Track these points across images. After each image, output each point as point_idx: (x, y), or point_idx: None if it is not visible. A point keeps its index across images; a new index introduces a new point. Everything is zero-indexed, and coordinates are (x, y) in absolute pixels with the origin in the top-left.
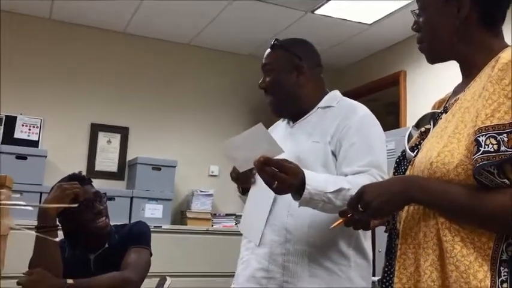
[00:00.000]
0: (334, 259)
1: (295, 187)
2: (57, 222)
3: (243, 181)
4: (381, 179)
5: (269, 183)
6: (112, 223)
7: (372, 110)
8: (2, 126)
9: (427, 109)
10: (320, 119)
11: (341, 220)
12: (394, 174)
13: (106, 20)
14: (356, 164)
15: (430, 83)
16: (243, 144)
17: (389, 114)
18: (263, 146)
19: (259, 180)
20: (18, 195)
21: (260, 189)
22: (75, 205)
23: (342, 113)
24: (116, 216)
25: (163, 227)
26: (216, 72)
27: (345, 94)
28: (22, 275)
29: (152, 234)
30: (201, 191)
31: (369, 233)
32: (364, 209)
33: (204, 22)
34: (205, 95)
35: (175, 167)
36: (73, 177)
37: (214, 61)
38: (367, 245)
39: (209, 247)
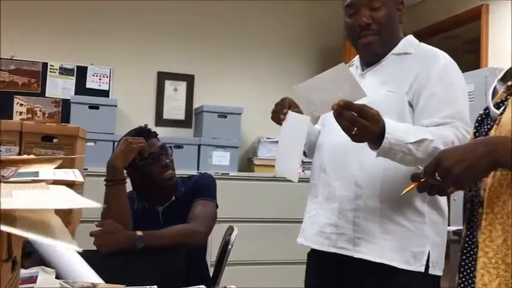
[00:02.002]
0: (407, 215)
1: (376, 134)
2: (127, 175)
3: (276, 120)
4: (465, 133)
5: (348, 129)
6: (181, 171)
7: (449, 49)
8: (74, 77)
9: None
10: (395, 66)
11: (414, 185)
12: (474, 134)
13: None
14: (437, 115)
15: None
16: (321, 86)
17: (468, 53)
18: (344, 89)
19: (290, 116)
20: (92, 144)
21: (292, 125)
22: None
23: (421, 61)
24: (184, 164)
25: (230, 174)
26: (281, 16)
27: (418, 32)
28: (94, 225)
29: (219, 182)
30: (268, 138)
31: None
32: (443, 177)
33: None
34: (270, 40)
35: (241, 114)
36: (139, 131)
37: (279, 4)
38: (443, 200)
39: (276, 193)
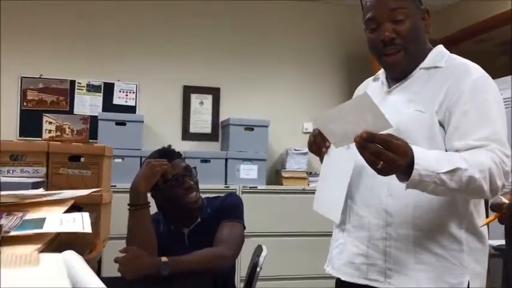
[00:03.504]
0: (443, 243)
1: (403, 167)
2: (151, 197)
3: (316, 152)
4: (503, 156)
5: (373, 163)
6: (208, 185)
7: (481, 52)
8: (101, 94)
9: None
10: (424, 82)
11: (494, 216)
12: None
13: None
14: (471, 138)
15: None
16: (342, 116)
17: (503, 55)
18: (367, 119)
19: (332, 150)
20: (120, 160)
21: (335, 160)
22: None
23: (451, 76)
24: (212, 178)
25: (258, 188)
26: (307, 25)
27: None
28: (119, 252)
29: (248, 195)
30: (295, 150)
31: (483, 208)
32: None
33: None
34: (295, 50)
35: (267, 126)
36: (162, 152)
37: (303, 13)
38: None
39: (306, 206)
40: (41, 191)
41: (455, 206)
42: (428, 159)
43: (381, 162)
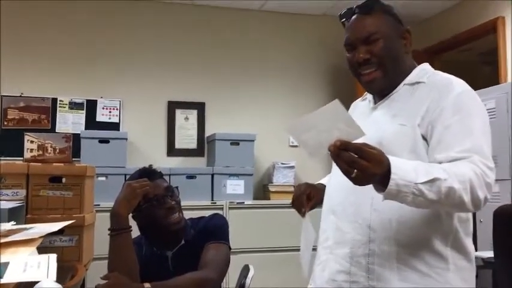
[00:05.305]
0: (428, 261)
1: (379, 177)
2: (132, 219)
3: (298, 208)
4: (485, 168)
5: (347, 172)
6: (194, 202)
7: (465, 61)
8: (84, 111)
9: None
10: (407, 97)
11: None
12: None
13: None
14: (453, 150)
15: None
16: (315, 124)
17: (485, 65)
18: (340, 127)
19: (305, 222)
20: (103, 179)
21: (305, 229)
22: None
23: (434, 90)
24: (198, 194)
25: (245, 203)
26: (290, 39)
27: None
28: (100, 278)
29: (235, 211)
30: (282, 163)
31: (471, 227)
32: None
33: None
34: (279, 64)
35: (253, 140)
36: (143, 172)
37: (287, 26)
38: (469, 241)
39: (293, 220)
40: (9, 225)
41: (440, 221)
42: (405, 169)
43: (355, 171)
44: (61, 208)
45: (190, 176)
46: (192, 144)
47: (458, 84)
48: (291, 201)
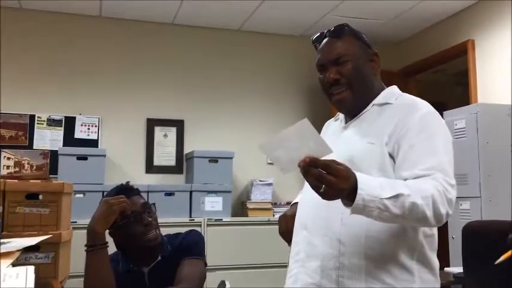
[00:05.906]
0: (395, 273)
1: (346, 192)
2: (109, 236)
3: (288, 241)
4: (446, 185)
5: (316, 187)
6: (173, 219)
7: (438, 82)
8: (63, 128)
9: (500, 81)
10: (376, 117)
11: (510, 253)
12: None
13: (154, 13)
14: (417, 168)
15: (504, 52)
16: (285, 142)
17: (457, 85)
18: (309, 145)
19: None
20: (81, 196)
21: None
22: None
23: (401, 111)
24: (177, 210)
25: (224, 220)
26: (268, 58)
27: (407, 68)
28: None
29: (213, 228)
30: (260, 181)
31: (436, 242)
32: None
33: (253, 6)
34: (258, 82)
35: (232, 158)
36: (120, 189)
37: (265, 46)
38: (434, 256)
39: (271, 237)
40: None
41: (406, 236)
42: (371, 185)
43: (323, 186)
44: (37, 225)
45: (169, 193)
46: (171, 161)
47: (423, 106)
48: (278, 232)
